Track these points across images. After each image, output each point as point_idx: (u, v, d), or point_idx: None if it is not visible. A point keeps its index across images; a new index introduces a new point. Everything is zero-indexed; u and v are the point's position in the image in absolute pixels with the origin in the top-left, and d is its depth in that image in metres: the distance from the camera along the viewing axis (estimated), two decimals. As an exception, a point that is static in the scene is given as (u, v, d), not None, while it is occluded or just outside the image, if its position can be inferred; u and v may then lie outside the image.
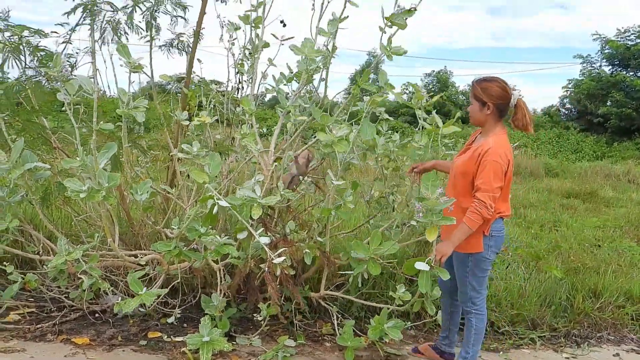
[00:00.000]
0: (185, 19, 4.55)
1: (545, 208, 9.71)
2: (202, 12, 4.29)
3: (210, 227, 3.05)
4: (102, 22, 4.09)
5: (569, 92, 29.72)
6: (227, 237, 3.11)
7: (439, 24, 70.60)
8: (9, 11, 3.64)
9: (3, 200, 3.33)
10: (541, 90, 61.45)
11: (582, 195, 11.50)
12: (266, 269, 2.92)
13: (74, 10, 3.83)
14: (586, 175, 15.40)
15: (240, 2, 4.25)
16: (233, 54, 4.55)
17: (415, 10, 3.47)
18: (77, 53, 4.12)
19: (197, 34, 4.34)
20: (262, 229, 2.96)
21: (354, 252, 3.25)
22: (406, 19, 3.45)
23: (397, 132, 4.05)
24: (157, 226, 3.69)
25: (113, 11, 4.08)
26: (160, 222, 4.02)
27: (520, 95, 3.16)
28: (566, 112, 30.96)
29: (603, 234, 7.56)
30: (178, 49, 4.60)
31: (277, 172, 3.60)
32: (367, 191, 4.37)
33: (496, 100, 3.11)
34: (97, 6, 3.86)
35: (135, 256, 3.42)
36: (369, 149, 3.50)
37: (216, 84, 5.25)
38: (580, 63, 28.72)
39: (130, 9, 4.13)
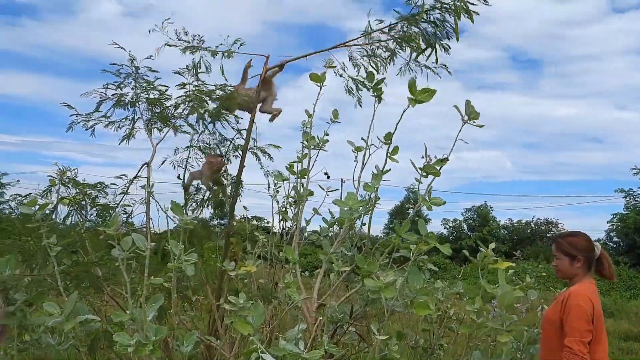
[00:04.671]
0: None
1: (603, 352, 9.10)
2: (241, 166, 4.59)
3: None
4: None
5: (615, 226, 29.14)
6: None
7: (476, 159, 72.16)
8: (76, 169, 3.97)
9: (53, 348, 3.41)
10: (585, 223, 60.26)
11: (641, 337, 10.82)
12: None
13: (128, 186, 4.23)
14: (643, 315, 14.55)
15: (328, 177, 4.63)
16: (277, 201, 4.78)
17: (448, 159, 3.63)
18: (132, 204, 4.40)
19: (237, 184, 4.61)
20: (305, 383, 2.89)
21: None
22: (440, 167, 3.60)
23: (439, 268, 4.05)
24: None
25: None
26: (202, 371, 3.97)
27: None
28: (614, 245, 30.14)
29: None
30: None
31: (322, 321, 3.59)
32: (412, 337, 4.29)
33: (585, 252, 3.21)
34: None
35: (177, 410, 3.36)
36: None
37: (258, 221, 5.45)
38: (623, 197, 28.46)
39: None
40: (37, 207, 3.35)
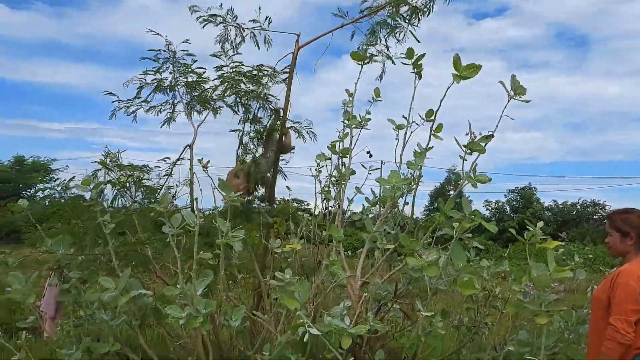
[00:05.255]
0: None
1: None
2: (280, 144, 4.64)
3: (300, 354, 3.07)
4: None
5: (666, 207, 28.14)
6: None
7: (520, 140, 70.24)
8: (122, 151, 4.08)
9: (106, 323, 3.55)
10: (634, 205, 57.92)
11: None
12: (356, 400, 2.85)
13: (172, 168, 4.33)
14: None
15: (370, 156, 4.67)
16: (320, 181, 4.80)
17: (493, 136, 3.57)
18: (177, 185, 4.51)
19: (276, 166, 4.67)
20: (352, 358, 2.93)
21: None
22: (485, 144, 3.55)
23: (481, 249, 4.03)
24: (248, 351, 3.74)
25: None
26: (248, 346, 4.06)
27: None
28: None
29: None
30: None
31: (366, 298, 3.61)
32: (455, 315, 4.27)
33: (638, 230, 3.15)
34: None
35: (226, 382, 3.45)
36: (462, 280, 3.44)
37: (298, 203, 5.51)
38: (676, 177, 27.43)
39: None
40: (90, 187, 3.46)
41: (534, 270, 2.95)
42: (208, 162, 4.40)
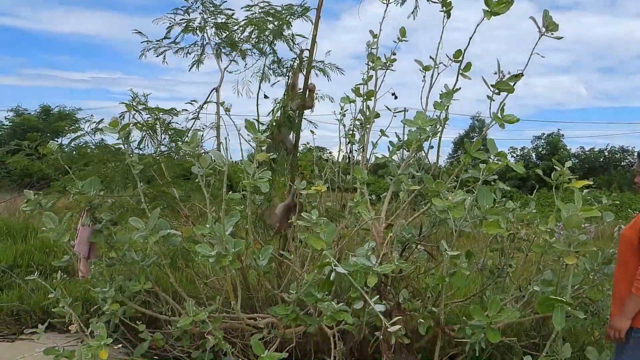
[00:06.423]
0: None
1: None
2: (306, 85, 4.58)
3: (326, 292, 3.13)
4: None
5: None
6: (340, 302, 3.16)
7: (547, 85, 68.30)
8: (148, 95, 4.09)
9: (137, 263, 3.65)
10: (665, 151, 56.59)
11: None
12: (381, 337, 2.93)
13: (199, 111, 4.31)
14: None
15: (395, 98, 4.52)
16: (344, 125, 4.77)
17: (522, 75, 3.48)
18: (203, 128, 4.52)
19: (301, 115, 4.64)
20: (377, 296, 2.98)
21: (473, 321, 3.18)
22: (514, 84, 3.47)
23: (504, 197, 3.99)
24: (275, 290, 3.83)
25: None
26: (275, 286, 4.16)
27: None
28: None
29: None
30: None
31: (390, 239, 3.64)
32: (479, 259, 4.29)
33: None
34: None
35: (254, 319, 3.56)
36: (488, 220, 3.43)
37: (320, 151, 5.50)
38: None
39: None
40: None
41: (564, 210, 2.90)
42: (230, 105, 4.41)
